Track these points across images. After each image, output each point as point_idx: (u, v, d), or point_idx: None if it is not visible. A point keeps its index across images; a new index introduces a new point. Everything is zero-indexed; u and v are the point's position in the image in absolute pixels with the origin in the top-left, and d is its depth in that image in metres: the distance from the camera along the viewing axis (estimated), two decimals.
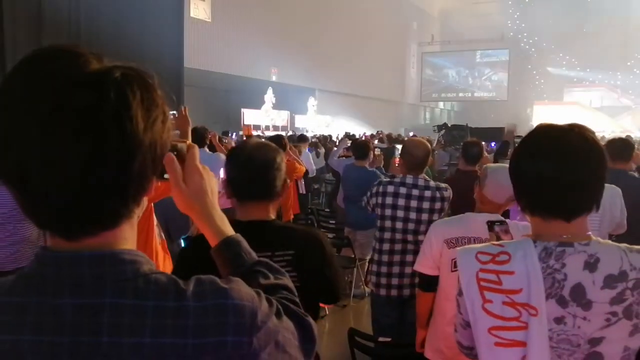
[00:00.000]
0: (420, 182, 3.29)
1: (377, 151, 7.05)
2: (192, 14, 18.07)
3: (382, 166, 6.56)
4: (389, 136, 12.36)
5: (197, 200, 0.95)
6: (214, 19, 18.80)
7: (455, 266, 2.39)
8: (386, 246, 3.37)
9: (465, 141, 4.71)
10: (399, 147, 3.46)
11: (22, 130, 0.69)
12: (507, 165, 2.45)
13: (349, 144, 8.47)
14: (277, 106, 20.75)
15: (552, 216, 1.30)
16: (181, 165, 0.92)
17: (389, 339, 2.97)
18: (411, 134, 15.99)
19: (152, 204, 3.13)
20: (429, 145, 3.42)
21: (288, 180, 1.88)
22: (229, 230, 1.02)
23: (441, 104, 37.00)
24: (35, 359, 0.71)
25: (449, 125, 11.27)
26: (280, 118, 20.99)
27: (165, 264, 3.20)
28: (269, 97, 20.34)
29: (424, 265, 2.60)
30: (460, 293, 1.36)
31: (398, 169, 3.66)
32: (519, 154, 1.38)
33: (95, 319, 0.71)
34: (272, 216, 1.81)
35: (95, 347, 0.71)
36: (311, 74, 21.95)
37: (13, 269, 3.52)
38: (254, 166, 1.76)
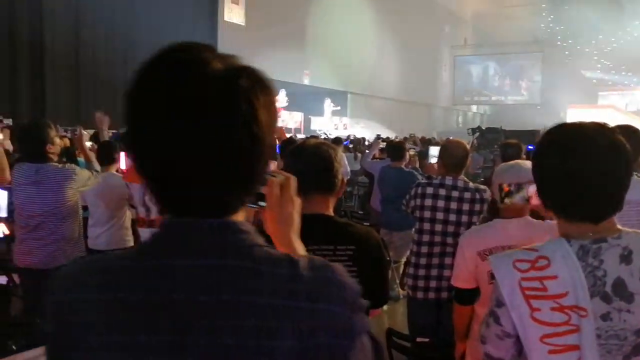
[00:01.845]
0: (460, 184, 3.26)
1: (412, 152, 7.01)
2: (226, 18, 18.24)
3: (417, 167, 6.54)
4: (422, 139, 12.29)
5: (285, 227, 1.04)
6: (248, 22, 18.95)
7: (492, 278, 2.34)
8: (424, 249, 3.34)
9: (503, 142, 4.65)
10: (434, 148, 3.44)
11: (163, 125, 0.76)
12: (514, 165, 2.43)
13: (381, 146, 8.44)
14: (289, 108, 20.60)
15: (580, 219, 1.29)
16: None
17: (427, 340, 2.95)
18: (444, 137, 15.85)
19: None
20: (467, 145, 3.39)
21: (345, 179, 1.93)
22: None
23: (474, 108, 36.60)
24: (149, 314, 0.76)
25: (483, 128, 11.14)
26: (292, 120, 20.81)
27: None
28: (282, 98, 20.26)
29: (460, 279, 2.51)
30: (499, 304, 1.34)
31: (433, 170, 3.63)
32: (545, 152, 1.36)
33: (215, 279, 0.77)
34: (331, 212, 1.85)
35: (214, 303, 0.76)
36: (343, 77, 21.95)
37: (54, 267, 3.59)
38: (320, 158, 1.82)
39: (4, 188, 3.44)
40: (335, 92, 22.71)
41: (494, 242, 2.36)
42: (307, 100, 21.06)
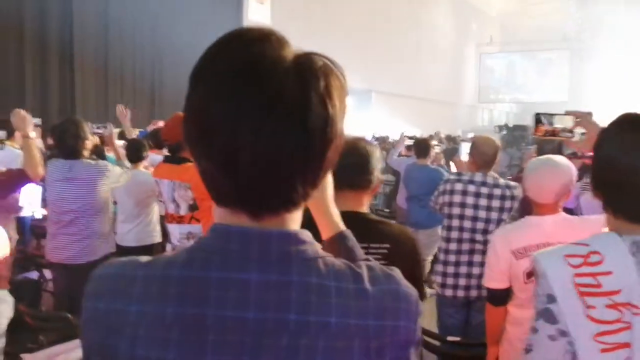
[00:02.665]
0: (490, 180, 3.23)
1: (437, 149, 6.97)
2: (250, 17, 18.30)
3: (443, 164, 6.50)
4: (447, 137, 12.19)
5: (320, 193, 1.00)
6: (274, 21, 18.99)
7: (528, 277, 2.30)
8: (453, 246, 3.31)
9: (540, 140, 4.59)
10: (465, 145, 3.40)
11: (231, 113, 0.70)
12: (547, 160, 2.38)
13: (407, 143, 8.39)
14: None
15: (634, 216, 1.25)
16: None
17: (458, 338, 2.92)
18: (470, 135, 15.71)
19: None
20: (498, 142, 3.35)
21: (382, 176, 1.90)
22: (342, 225, 1.09)
23: (499, 105, 36.19)
24: (218, 332, 0.72)
25: (510, 125, 11.01)
26: None
27: None
28: None
29: (492, 279, 2.45)
30: (551, 301, 1.27)
31: (464, 167, 3.60)
32: (605, 143, 1.30)
33: (283, 296, 0.73)
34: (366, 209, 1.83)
35: (282, 323, 0.72)
36: (367, 76, 21.88)
37: (85, 262, 3.65)
38: (359, 154, 1.78)
39: (38, 183, 3.50)
40: (359, 91, 22.67)
41: (529, 239, 2.31)
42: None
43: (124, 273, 0.77)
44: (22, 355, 3.16)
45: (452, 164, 7.08)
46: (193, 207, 3.13)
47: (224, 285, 0.72)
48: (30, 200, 3.61)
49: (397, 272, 0.82)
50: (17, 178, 2.96)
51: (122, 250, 4.34)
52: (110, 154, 5.07)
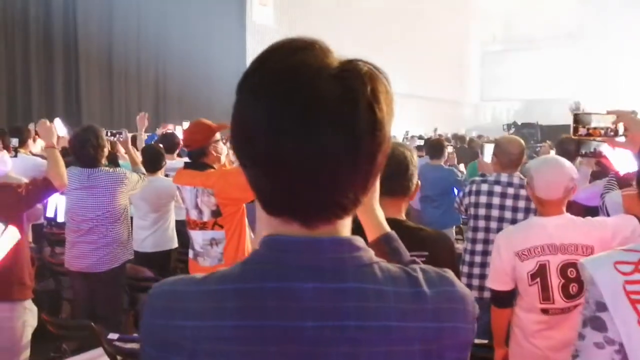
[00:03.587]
0: (516, 180, 3.20)
1: (450, 149, 6.94)
2: (254, 19, 18.30)
3: (456, 164, 6.48)
4: (454, 135, 12.16)
5: (368, 195, 0.98)
6: (277, 23, 19.00)
7: (532, 279, 2.29)
8: (479, 247, 3.28)
9: (561, 137, 4.57)
10: (489, 146, 3.38)
11: (277, 121, 0.70)
12: (549, 157, 2.36)
13: (417, 144, 8.37)
14: None
15: None
16: None
17: (485, 341, 2.89)
18: (474, 133, 15.67)
19: (244, 205, 3.17)
20: (523, 142, 3.33)
21: (419, 182, 1.86)
22: (387, 227, 1.10)
23: (501, 103, 36.15)
24: (280, 344, 0.71)
25: (519, 123, 10.98)
26: None
27: None
28: None
29: (496, 281, 2.43)
30: (601, 309, 1.25)
31: (488, 168, 3.57)
32: None
33: (340, 303, 0.72)
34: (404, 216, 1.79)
35: (341, 331, 0.71)
36: None
37: (105, 270, 3.63)
38: (395, 161, 1.74)
39: (61, 193, 3.48)
40: None
41: (533, 241, 2.29)
42: None
43: (179, 289, 0.77)
44: None
45: (462, 165, 7.06)
46: (216, 213, 3.10)
47: (280, 296, 0.72)
48: (56, 209, 3.59)
49: (450, 274, 0.81)
50: (44, 188, 2.94)
51: (139, 257, 4.32)
52: (122, 161, 5.06)
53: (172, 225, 4.60)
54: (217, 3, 16.50)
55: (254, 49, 17.88)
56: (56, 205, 3.64)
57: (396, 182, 1.75)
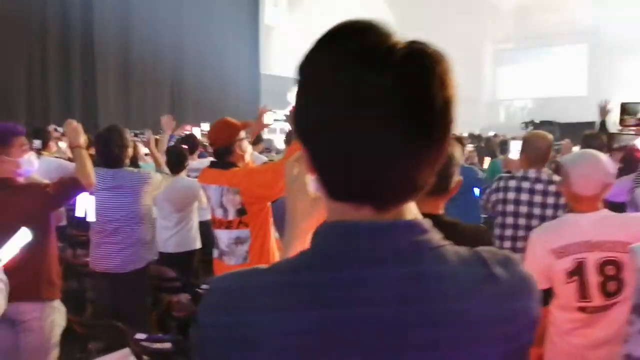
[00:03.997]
0: (544, 177, 3.16)
1: (470, 147, 6.90)
2: (266, 21, 18.35)
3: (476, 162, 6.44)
4: (470, 135, 12.09)
5: None
6: (289, 22, 19.03)
7: (569, 277, 2.24)
8: (507, 244, 3.24)
9: (585, 134, 4.52)
10: (515, 142, 3.35)
11: (350, 104, 0.68)
12: (586, 152, 2.31)
13: None
14: None
15: None
16: None
17: None
18: (491, 133, 15.57)
19: (269, 204, 3.16)
20: (551, 137, 3.29)
21: (460, 178, 1.83)
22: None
23: (516, 102, 35.93)
24: (359, 332, 0.69)
25: (536, 121, 10.89)
26: None
27: None
28: None
29: None
30: None
31: (514, 165, 3.53)
32: None
33: (419, 288, 0.70)
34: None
35: (422, 316, 0.70)
36: None
37: (130, 270, 3.63)
38: None
39: (90, 193, 3.49)
40: None
41: (569, 238, 2.23)
42: None
43: (246, 283, 0.73)
44: None
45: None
46: (241, 212, 3.09)
47: (358, 283, 0.70)
48: (85, 208, 3.59)
49: (512, 255, 0.80)
50: (72, 187, 2.94)
51: (162, 257, 4.32)
52: (142, 162, 5.07)
53: (196, 225, 4.61)
54: (231, 5, 16.61)
55: (266, 49, 17.96)
56: (86, 205, 3.63)
57: (436, 182, 1.72)
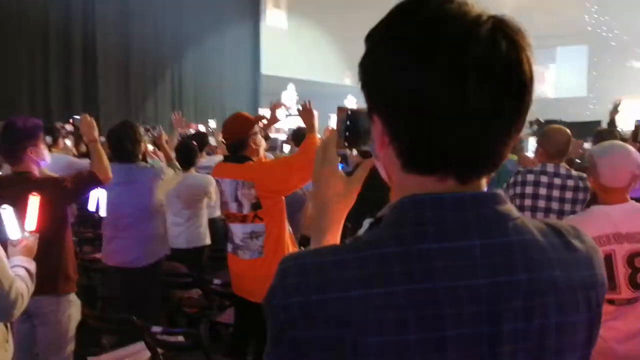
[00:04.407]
0: (562, 171, 3.15)
1: None
2: (268, 22, 18.36)
3: None
4: None
5: None
6: (290, 26, 19.02)
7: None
8: None
9: (598, 129, 4.52)
10: (531, 139, 3.35)
11: (438, 77, 0.67)
12: (615, 143, 2.29)
13: None
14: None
15: None
16: None
17: None
18: None
19: (284, 198, 3.15)
20: (569, 132, 3.28)
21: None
22: None
23: None
24: (453, 305, 0.67)
25: (542, 121, 10.89)
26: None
27: None
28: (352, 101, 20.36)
29: None
30: None
31: (530, 161, 3.53)
32: None
33: (509, 258, 0.70)
34: None
35: (514, 285, 0.69)
36: None
37: (143, 265, 3.62)
38: None
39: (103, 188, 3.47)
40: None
41: (598, 229, 2.19)
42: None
43: (328, 260, 0.70)
44: (89, 358, 3.13)
45: None
46: (256, 206, 3.08)
47: (448, 255, 0.69)
48: (98, 203, 3.58)
49: (577, 226, 0.81)
50: (90, 181, 2.93)
51: (172, 253, 4.31)
52: (150, 159, 5.06)
53: (205, 222, 4.61)
54: (232, 6, 16.64)
55: (267, 51, 17.94)
56: (98, 199, 3.61)
57: None
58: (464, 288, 0.68)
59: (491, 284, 0.68)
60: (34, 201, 2.30)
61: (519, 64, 0.68)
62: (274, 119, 3.66)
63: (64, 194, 2.80)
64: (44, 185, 2.75)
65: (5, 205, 2.25)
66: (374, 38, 0.74)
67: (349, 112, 0.94)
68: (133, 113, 13.50)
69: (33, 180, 2.77)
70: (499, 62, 0.67)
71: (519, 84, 0.69)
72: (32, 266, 2.17)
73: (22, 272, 2.08)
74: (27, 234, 2.23)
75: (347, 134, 0.94)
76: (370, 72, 0.74)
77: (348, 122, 0.94)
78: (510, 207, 0.74)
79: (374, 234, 0.73)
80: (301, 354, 0.69)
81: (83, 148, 7.28)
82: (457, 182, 0.72)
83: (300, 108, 3.34)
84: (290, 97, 18.24)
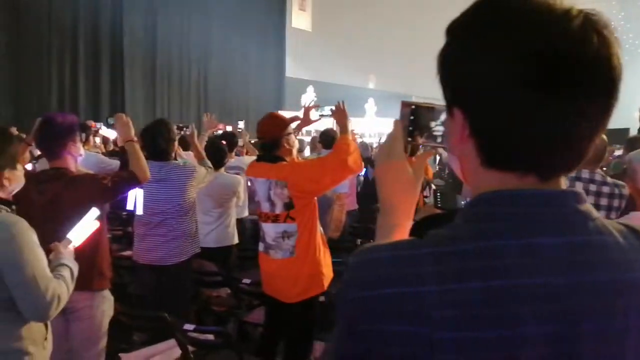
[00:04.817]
0: (598, 177, 3.11)
1: None
2: (293, 25, 18.44)
3: None
4: None
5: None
6: (314, 28, 19.07)
7: None
8: None
9: (630, 137, 4.46)
10: None
11: (531, 70, 0.66)
12: None
13: None
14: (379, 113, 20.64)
15: None
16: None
17: None
18: None
19: (316, 199, 3.16)
20: (605, 138, 3.23)
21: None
22: None
23: None
24: (532, 302, 0.66)
25: None
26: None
27: (325, 257, 3.20)
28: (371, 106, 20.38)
29: None
30: None
31: None
32: None
33: (589, 257, 0.69)
34: None
35: (595, 286, 0.69)
36: (408, 80, 21.77)
37: (174, 263, 3.64)
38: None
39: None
40: (399, 95, 22.56)
41: None
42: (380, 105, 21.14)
43: (405, 254, 0.70)
44: (120, 355, 3.17)
45: None
46: (289, 206, 3.09)
47: (526, 253, 0.67)
48: (134, 201, 3.61)
49: None
50: (129, 180, 2.94)
51: (201, 251, 4.33)
52: (180, 159, 5.09)
53: (234, 221, 4.64)
54: (258, 9, 16.75)
55: (293, 53, 18.02)
56: (135, 198, 3.65)
57: None
58: (542, 286, 0.67)
59: (571, 283, 0.68)
60: (90, 225, 2.34)
61: (609, 60, 0.67)
62: (307, 120, 3.68)
63: (103, 192, 2.82)
64: (83, 182, 2.78)
65: (95, 209, 2.30)
66: (457, 30, 0.73)
67: (413, 107, 0.94)
68: (159, 115, 13.68)
69: (70, 176, 2.79)
70: (589, 58, 0.66)
71: (607, 81, 0.68)
72: (76, 269, 2.20)
73: (67, 274, 2.11)
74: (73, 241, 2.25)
75: (410, 129, 0.94)
76: (453, 64, 0.73)
77: (412, 117, 0.94)
78: (590, 207, 0.73)
79: (451, 230, 0.72)
80: (371, 349, 0.69)
81: (110, 147, 7.39)
82: (538, 179, 0.71)
83: (334, 109, 3.34)
84: (310, 99, 18.24)
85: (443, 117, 0.94)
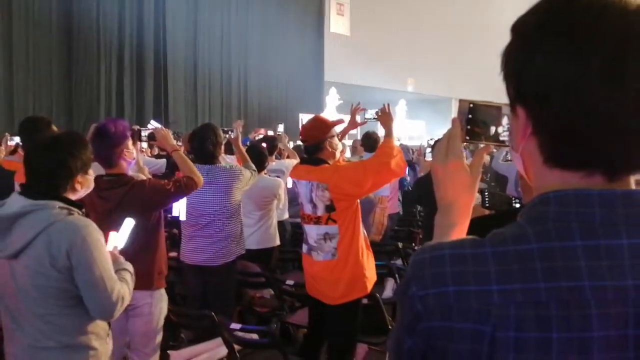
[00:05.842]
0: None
1: None
2: (332, 29, 18.52)
3: None
4: None
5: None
6: (353, 32, 19.11)
7: None
8: None
9: None
10: None
11: (588, 67, 0.65)
12: None
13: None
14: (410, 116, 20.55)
15: None
16: None
17: None
18: None
19: (359, 201, 3.19)
20: None
21: None
22: None
23: None
24: (600, 305, 0.66)
25: None
26: (415, 128, 20.72)
27: (368, 260, 3.22)
28: (402, 107, 20.31)
29: None
30: None
31: None
32: None
33: None
34: None
35: None
36: (448, 83, 21.58)
37: (220, 264, 3.72)
38: None
39: None
40: (440, 99, 22.41)
41: None
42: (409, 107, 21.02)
43: (467, 252, 0.70)
44: (169, 352, 3.26)
45: None
46: (330, 208, 3.13)
47: (594, 254, 0.66)
48: (179, 204, 3.71)
49: None
50: (188, 185, 3.04)
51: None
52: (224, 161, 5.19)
53: (275, 223, 4.70)
54: (297, 15, 16.89)
55: (331, 57, 18.08)
56: (179, 204, 3.75)
57: None
58: (610, 288, 0.66)
59: (639, 286, 0.66)
60: (128, 223, 2.41)
61: None
62: (354, 123, 3.70)
63: (165, 196, 2.94)
64: (144, 187, 2.90)
65: (130, 218, 2.40)
66: (524, 27, 0.72)
67: (471, 105, 0.93)
68: (200, 120, 13.95)
69: (131, 182, 2.91)
70: None
71: None
72: (133, 271, 2.28)
73: (128, 277, 2.19)
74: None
75: (468, 127, 0.93)
76: (520, 61, 0.71)
77: (469, 115, 0.93)
78: None
79: (516, 229, 0.71)
80: (433, 346, 0.70)
81: (156, 150, 7.59)
82: (605, 179, 0.70)
83: (379, 112, 3.37)
84: (334, 100, 18.24)
85: (502, 115, 0.93)
